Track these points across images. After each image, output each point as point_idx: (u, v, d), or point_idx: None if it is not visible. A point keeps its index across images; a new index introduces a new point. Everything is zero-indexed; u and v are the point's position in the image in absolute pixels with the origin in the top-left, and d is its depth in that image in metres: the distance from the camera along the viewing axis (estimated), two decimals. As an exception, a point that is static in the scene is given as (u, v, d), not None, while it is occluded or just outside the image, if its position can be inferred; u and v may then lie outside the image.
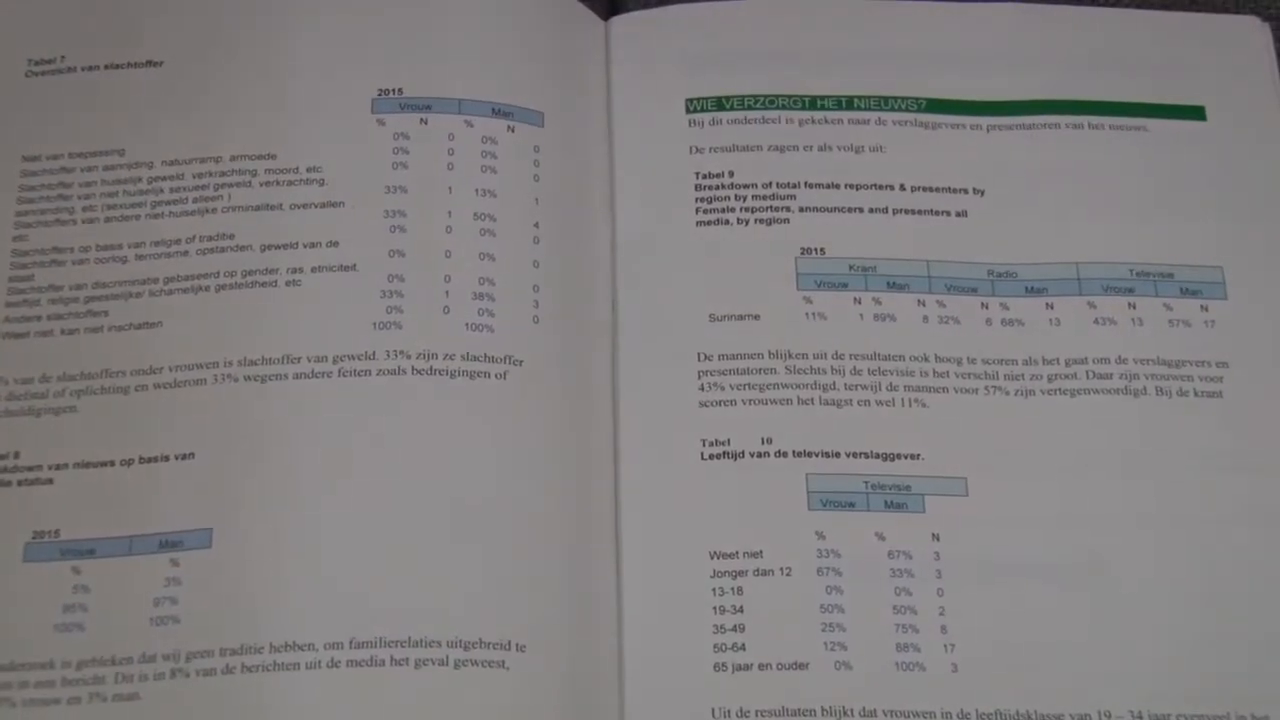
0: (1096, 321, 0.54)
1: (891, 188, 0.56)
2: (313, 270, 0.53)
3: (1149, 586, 0.51)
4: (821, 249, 0.55)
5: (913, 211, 0.56)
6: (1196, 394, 0.53)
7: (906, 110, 0.57)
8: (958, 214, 0.56)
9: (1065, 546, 0.51)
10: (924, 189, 0.56)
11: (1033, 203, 0.56)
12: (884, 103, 0.57)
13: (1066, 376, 0.53)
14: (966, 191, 0.56)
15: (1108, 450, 0.52)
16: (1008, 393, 0.53)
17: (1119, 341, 0.54)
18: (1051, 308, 0.54)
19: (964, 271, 0.55)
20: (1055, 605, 0.50)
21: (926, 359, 0.54)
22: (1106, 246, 0.55)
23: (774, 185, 0.56)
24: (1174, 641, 0.50)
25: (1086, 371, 0.53)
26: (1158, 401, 0.53)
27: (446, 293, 0.53)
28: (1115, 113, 0.57)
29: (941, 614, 0.50)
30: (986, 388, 0.53)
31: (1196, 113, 0.57)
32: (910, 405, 0.53)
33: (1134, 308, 0.54)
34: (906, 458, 0.52)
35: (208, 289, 0.53)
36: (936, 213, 0.56)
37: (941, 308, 0.54)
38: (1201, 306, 0.54)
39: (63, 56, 0.56)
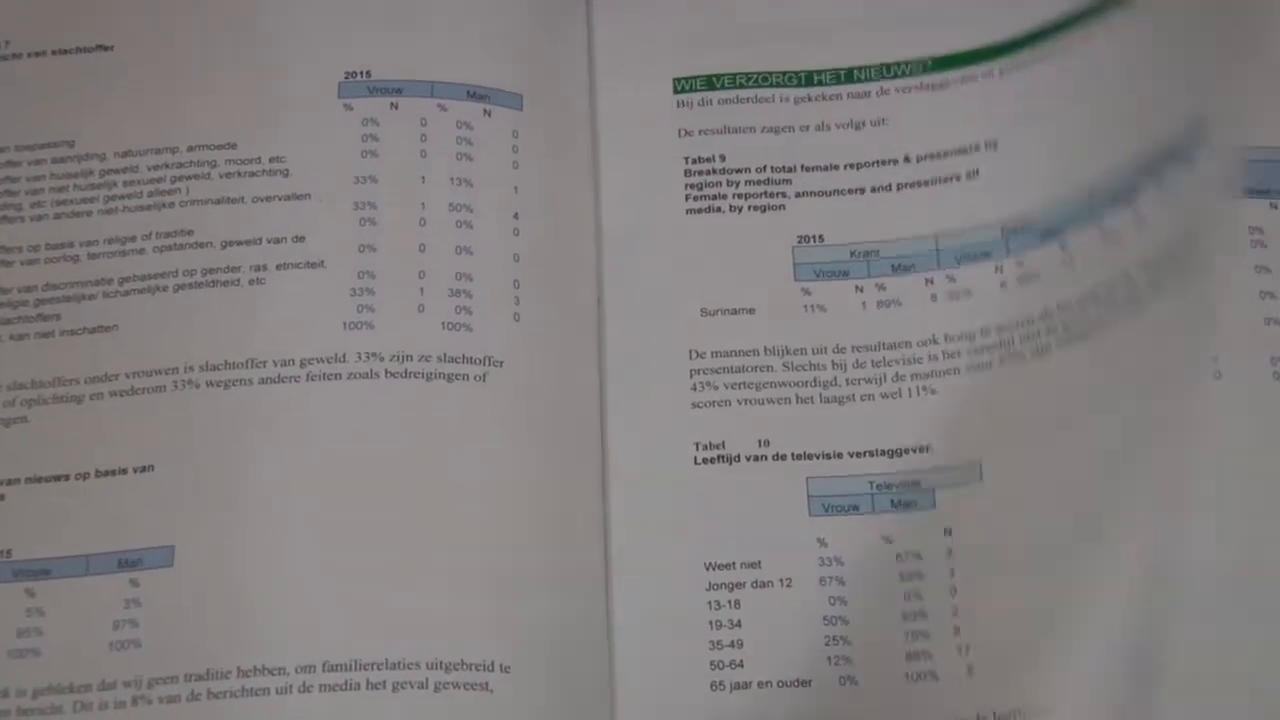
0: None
1: (895, 162, 0.54)
2: (278, 267, 0.51)
3: (1189, 568, 0.47)
4: (820, 236, 0.53)
5: (920, 184, 0.54)
6: None
7: (911, 75, 0.55)
8: (969, 175, 0.53)
9: (1090, 520, 0.47)
10: (931, 156, 0.54)
11: (1051, 141, 0.53)
12: (886, 70, 0.55)
13: (1083, 320, 0.50)
14: (979, 148, 0.54)
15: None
16: (1024, 356, 0.50)
17: None
18: (1065, 249, 0.51)
19: (976, 236, 0.52)
20: (1080, 591, 0.47)
21: (935, 341, 0.52)
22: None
23: (768, 169, 0.54)
24: (1215, 634, 0.47)
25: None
26: None
27: (421, 290, 0.51)
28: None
29: (955, 614, 0.49)
30: (1001, 357, 0.51)
31: None
32: (918, 394, 0.51)
33: None
34: (914, 451, 0.51)
35: (166, 289, 0.51)
36: (946, 179, 0.54)
37: (951, 283, 0.52)
38: None
39: (7, 42, 0.55)
